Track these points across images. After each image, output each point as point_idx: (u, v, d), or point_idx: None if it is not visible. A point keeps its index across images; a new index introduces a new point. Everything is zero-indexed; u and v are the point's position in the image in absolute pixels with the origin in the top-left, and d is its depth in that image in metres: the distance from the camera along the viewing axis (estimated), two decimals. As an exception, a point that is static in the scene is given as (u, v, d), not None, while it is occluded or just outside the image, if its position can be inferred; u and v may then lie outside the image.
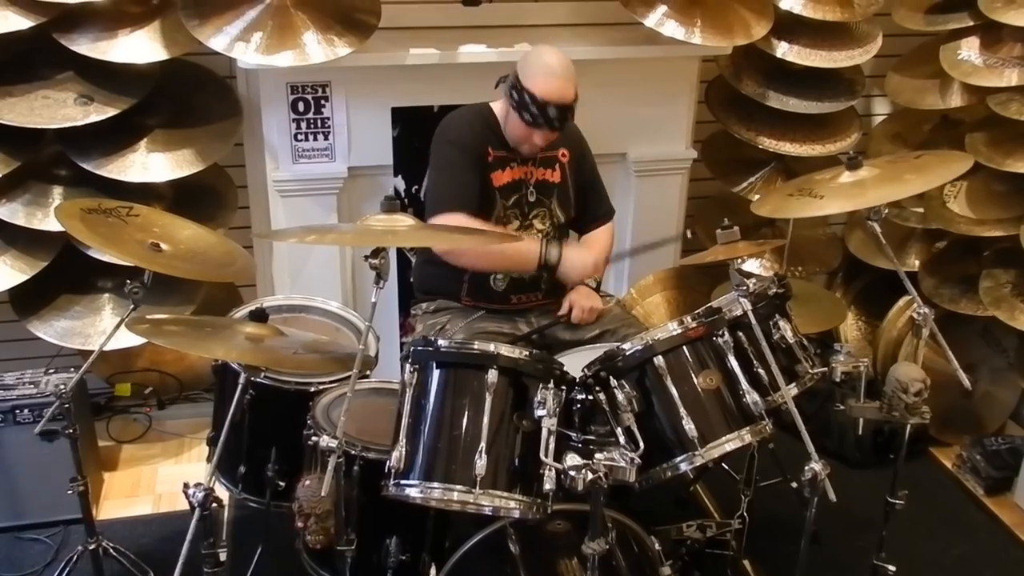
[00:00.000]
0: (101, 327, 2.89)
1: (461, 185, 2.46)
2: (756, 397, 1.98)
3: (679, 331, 1.99)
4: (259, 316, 2.08)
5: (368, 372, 2.39)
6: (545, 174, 2.60)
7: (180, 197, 2.92)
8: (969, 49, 3.09)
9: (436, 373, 1.90)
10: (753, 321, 1.98)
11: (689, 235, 3.04)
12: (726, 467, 2.84)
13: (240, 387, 1.97)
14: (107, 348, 2.18)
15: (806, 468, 1.84)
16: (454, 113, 2.60)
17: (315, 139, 2.94)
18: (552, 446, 1.84)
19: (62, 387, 2.13)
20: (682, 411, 1.94)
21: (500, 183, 2.53)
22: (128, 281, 2.11)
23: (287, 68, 2.73)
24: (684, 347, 1.99)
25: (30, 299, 2.90)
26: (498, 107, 2.56)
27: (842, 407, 2.37)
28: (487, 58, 2.89)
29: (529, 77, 2.39)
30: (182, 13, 2.68)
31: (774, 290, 2.23)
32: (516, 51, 2.87)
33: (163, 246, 2.13)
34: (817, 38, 3.16)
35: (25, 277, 2.80)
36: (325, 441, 1.82)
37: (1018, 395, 3.36)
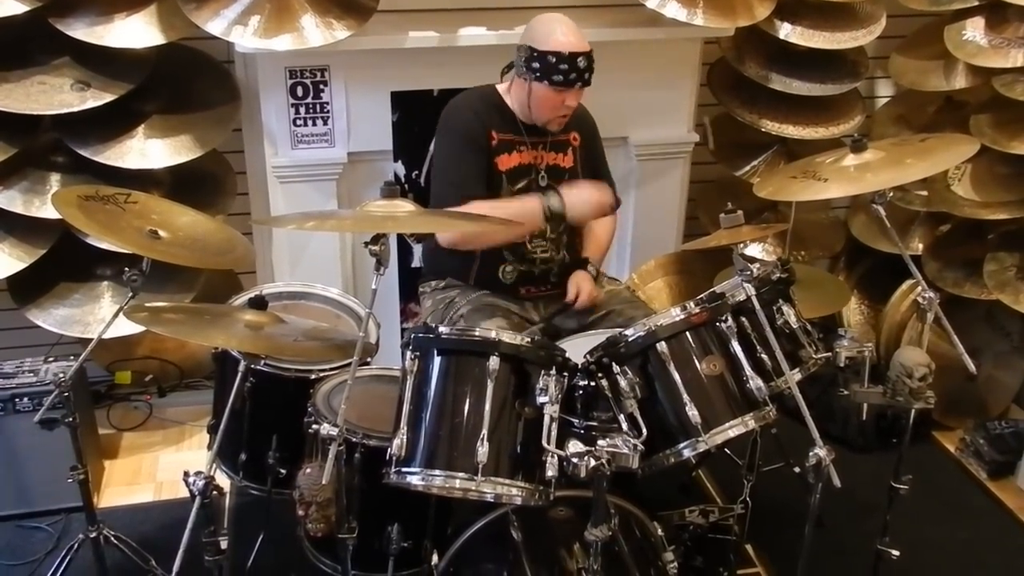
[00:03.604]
0: (100, 315, 2.88)
1: (464, 174, 2.44)
2: (760, 382, 1.97)
3: (682, 317, 1.98)
4: (259, 303, 2.07)
5: (369, 359, 2.38)
6: (557, 158, 2.57)
7: (178, 183, 2.90)
8: (974, 29, 3.07)
9: (437, 360, 1.89)
10: (756, 306, 1.96)
11: None
12: (729, 452, 2.84)
13: (240, 375, 1.96)
14: (106, 336, 2.17)
15: (811, 453, 1.83)
16: (458, 97, 2.57)
17: (314, 124, 2.92)
18: (554, 433, 1.84)
19: (61, 375, 2.12)
20: (685, 397, 1.93)
21: (507, 167, 2.51)
22: (127, 268, 2.10)
23: (285, 52, 2.70)
24: (687, 333, 1.98)
25: (29, 287, 2.89)
26: (505, 89, 2.53)
27: (846, 392, 2.36)
28: (487, 41, 2.86)
29: (545, 40, 2.37)
30: (178, -3, 2.65)
31: (777, 275, 2.22)
32: (516, 33, 2.82)
33: (161, 233, 2.12)
34: (820, 19, 3.13)
35: (23, 265, 2.78)
36: (326, 429, 1.82)
37: (1022, 378, 3.35)
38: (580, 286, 2.56)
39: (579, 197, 2.48)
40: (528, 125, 2.52)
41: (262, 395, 2.21)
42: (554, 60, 2.34)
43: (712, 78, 3.33)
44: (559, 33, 2.37)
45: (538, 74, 2.37)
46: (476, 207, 2.38)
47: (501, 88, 2.55)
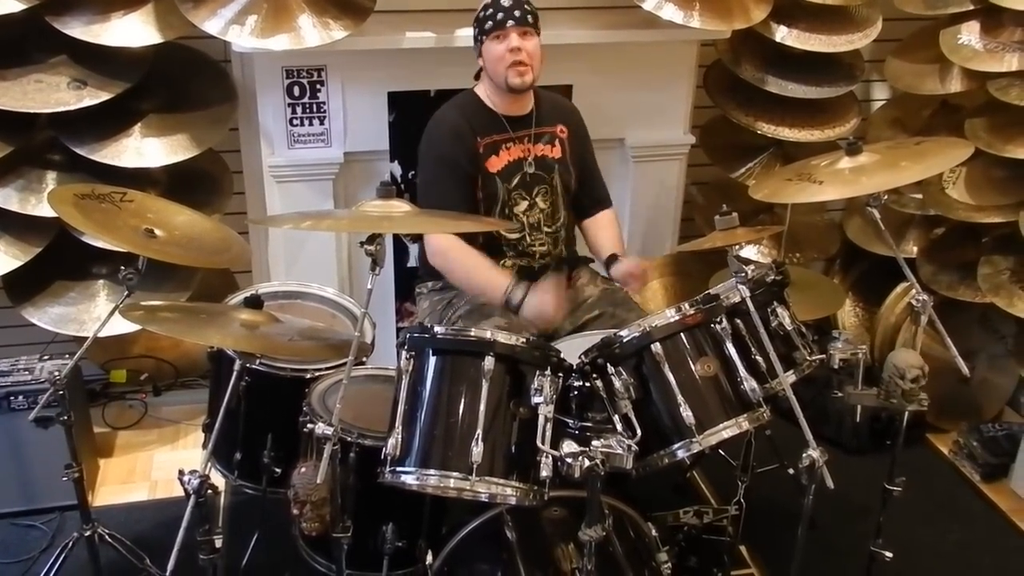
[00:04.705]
0: (96, 313, 2.88)
1: (443, 199, 2.47)
2: (754, 384, 1.98)
3: (677, 318, 1.98)
4: (254, 302, 2.07)
5: (364, 359, 2.38)
6: (545, 150, 2.59)
7: (175, 183, 2.90)
8: (969, 33, 3.07)
9: (432, 360, 1.89)
10: (751, 308, 1.97)
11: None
12: (723, 453, 2.84)
13: (235, 374, 1.96)
14: (102, 334, 2.17)
15: (804, 455, 1.83)
16: (438, 113, 2.58)
17: (311, 124, 2.92)
18: (549, 433, 1.84)
19: (57, 374, 2.12)
20: (679, 398, 1.93)
21: (497, 168, 2.53)
22: (122, 267, 2.10)
23: (282, 52, 2.70)
24: (682, 334, 1.98)
25: (24, 285, 2.89)
26: (481, 90, 2.56)
27: (840, 394, 2.38)
28: (484, 42, 2.86)
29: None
30: (176, -4, 2.65)
31: (772, 277, 2.23)
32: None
33: (157, 232, 2.12)
34: (816, 22, 3.14)
35: (19, 263, 2.78)
36: (321, 428, 1.81)
37: (1015, 382, 3.35)
38: (631, 271, 2.55)
39: (537, 305, 2.35)
40: (510, 118, 2.54)
41: (257, 394, 2.21)
42: (483, 14, 2.44)
43: (708, 80, 3.33)
44: None
45: (480, 37, 2.45)
46: (458, 251, 2.45)
47: (478, 90, 2.57)
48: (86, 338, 2.14)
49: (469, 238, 2.53)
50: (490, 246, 2.56)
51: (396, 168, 3.04)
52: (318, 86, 2.89)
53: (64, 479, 2.22)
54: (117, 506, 2.86)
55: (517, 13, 2.42)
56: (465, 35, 2.87)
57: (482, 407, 1.83)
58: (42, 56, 2.70)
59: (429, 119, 2.58)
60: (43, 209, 2.69)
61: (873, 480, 2.36)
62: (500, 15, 2.41)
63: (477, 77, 2.57)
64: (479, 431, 1.82)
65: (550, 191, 2.60)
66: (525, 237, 2.58)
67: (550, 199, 2.60)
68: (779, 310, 2.20)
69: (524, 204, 2.57)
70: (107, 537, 2.37)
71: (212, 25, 2.63)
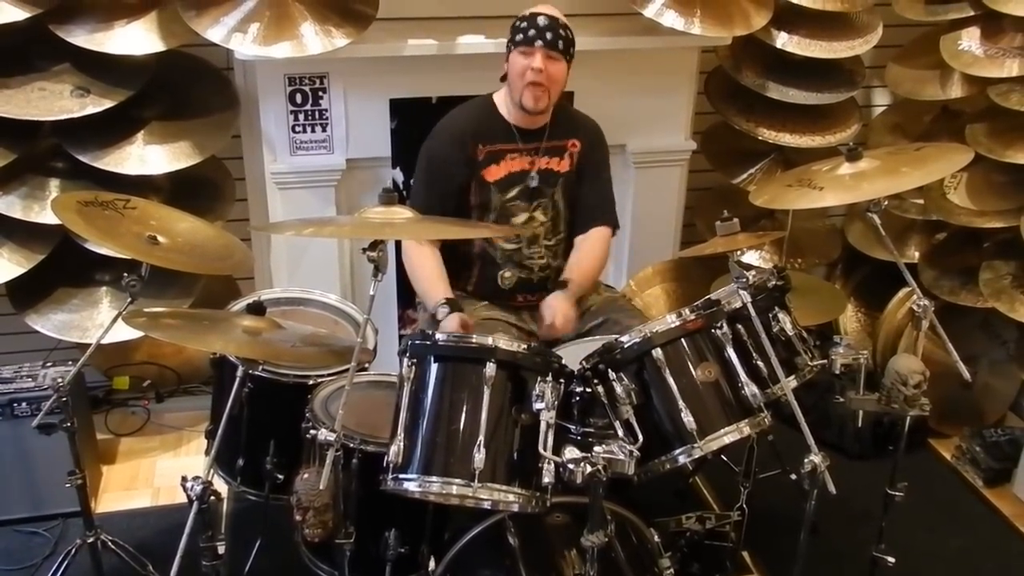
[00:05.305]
0: (99, 320, 2.89)
1: (424, 199, 2.49)
2: (755, 389, 1.98)
3: (678, 323, 1.99)
4: (257, 309, 2.08)
5: (366, 365, 2.39)
6: (551, 163, 2.58)
7: (177, 190, 2.91)
8: (970, 39, 3.08)
9: (434, 367, 1.89)
10: (752, 313, 1.97)
11: None
12: (725, 459, 2.84)
13: (238, 380, 1.96)
14: (105, 341, 2.17)
15: (806, 460, 1.84)
16: (448, 115, 2.58)
17: (313, 131, 2.93)
18: (551, 439, 1.84)
19: (60, 380, 2.13)
20: (681, 403, 1.93)
21: (495, 177, 2.53)
22: (125, 274, 2.10)
23: (284, 59, 2.71)
24: (683, 339, 1.99)
25: (27, 292, 2.90)
26: (500, 97, 2.55)
27: (841, 399, 2.37)
28: (485, 49, 2.87)
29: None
30: (179, 4, 2.66)
31: (773, 282, 2.23)
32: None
33: (160, 239, 2.12)
34: (817, 28, 3.15)
35: (22, 270, 2.79)
36: (323, 434, 1.82)
37: (1018, 387, 3.35)
38: (556, 309, 2.44)
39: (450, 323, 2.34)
40: (522, 130, 2.54)
41: (260, 400, 2.22)
42: (517, 24, 2.42)
43: (709, 86, 3.34)
44: (531, 8, 2.45)
45: (512, 44, 2.43)
46: (415, 255, 2.50)
47: (497, 96, 2.57)
48: (89, 345, 2.15)
49: (464, 244, 2.54)
50: (484, 257, 2.56)
51: (398, 175, 3.05)
52: (320, 93, 2.90)
53: (67, 486, 2.22)
54: (120, 513, 2.86)
55: (548, 36, 2.38)
56: (466, 42, 2.89)
57: (484, 414, 1.84)
58: (45, 64, 2.71)
59: (431, 125, 2.58)
60: (46, 216, 2.70)
61: (875, 485, 2.35)
62: (532, 32, 2.38)
63: (503, 79, 2.52)
64: (481, 438, 1.82)
65: (551, 205, 2.59)
66: (522, 249, 2.58)
67: (551, 213, 2.59)
68: (780, 315, 2.20)
69: (523, 216, 2.56)
70: (110, 544, 2.38)
71: (215, 33, 2.65)
